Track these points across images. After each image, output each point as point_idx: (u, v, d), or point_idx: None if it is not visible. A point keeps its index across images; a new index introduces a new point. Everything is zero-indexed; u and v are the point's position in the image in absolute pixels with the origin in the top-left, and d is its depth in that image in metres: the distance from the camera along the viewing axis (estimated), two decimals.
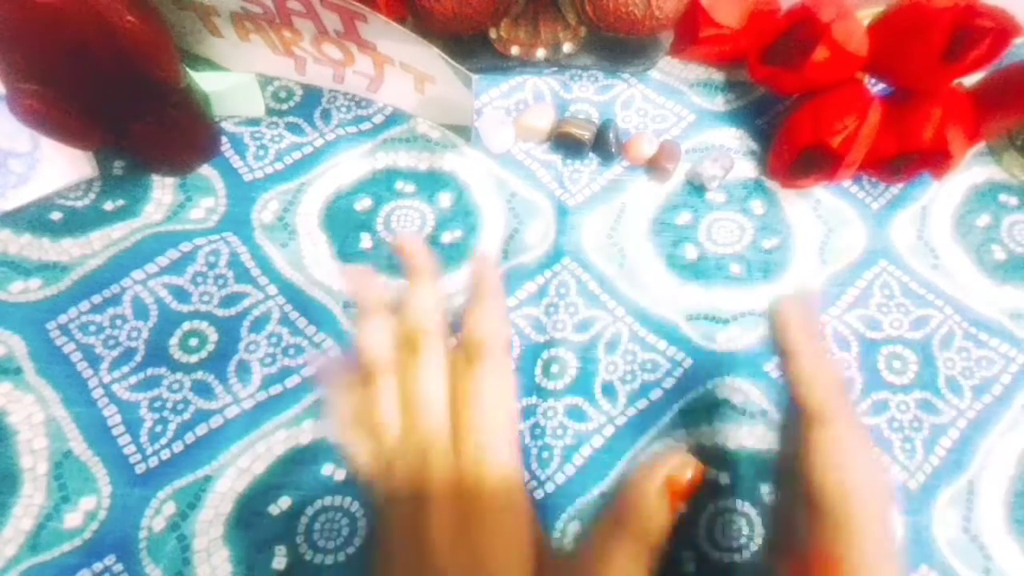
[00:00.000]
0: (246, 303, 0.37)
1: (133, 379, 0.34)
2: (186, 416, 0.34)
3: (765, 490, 0.34)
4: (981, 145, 0.44)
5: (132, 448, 0.33)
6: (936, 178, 0.42)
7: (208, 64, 0.41)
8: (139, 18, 0.31)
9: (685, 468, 0.24)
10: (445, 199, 0.41)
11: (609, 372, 0.36)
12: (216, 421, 0.34)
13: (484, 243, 0.39)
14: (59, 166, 0.38)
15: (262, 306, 0.37)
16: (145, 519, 0.32)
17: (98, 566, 0.31)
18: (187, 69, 0.37)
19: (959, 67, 0.37)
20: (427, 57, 0.35)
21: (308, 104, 0.43)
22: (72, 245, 0.37)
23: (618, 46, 0.44)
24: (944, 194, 0.43)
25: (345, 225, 0.39)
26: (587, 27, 0.42)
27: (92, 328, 0.35)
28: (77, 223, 0.38)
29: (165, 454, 0.33)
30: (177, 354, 0.35)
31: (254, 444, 0.33)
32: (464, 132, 0.41)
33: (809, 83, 0.39)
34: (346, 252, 0.39)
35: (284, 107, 0.43)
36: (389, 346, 0.26)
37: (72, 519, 0.32)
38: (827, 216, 0.42)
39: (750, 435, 0.35)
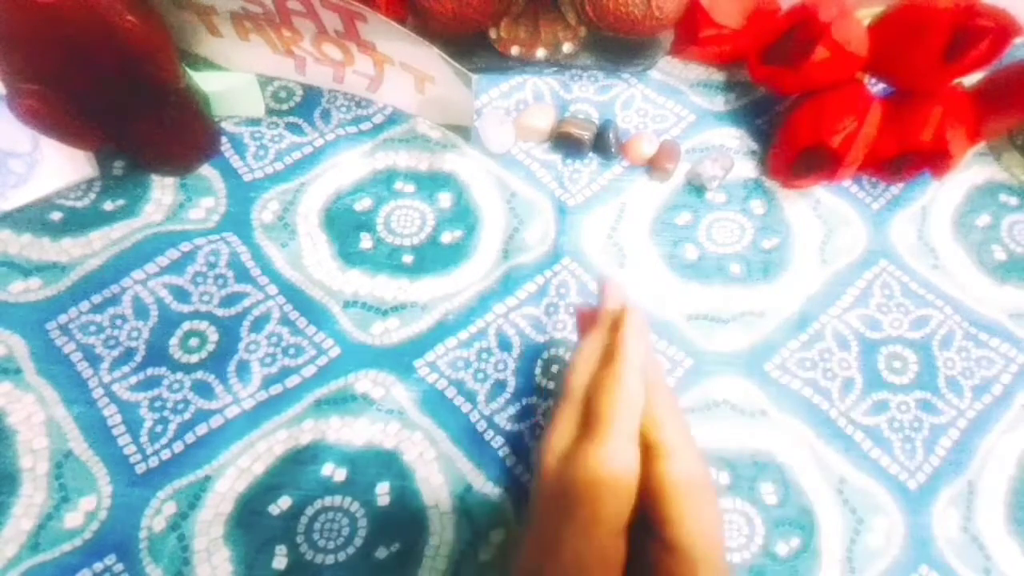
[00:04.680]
0: (246, 303, 0.37)
1: (133, 379, 0.34)
2: (186, 416, 0.34)
3: (764, 490, 0.34)
4: (981, 145, 0.44)
5: (132, 448, 0.33)
6: (936, 178, 0.42)
7: (208, 64, 0.41)
8: (139, 18, 0.31)
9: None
10: (445, 199, 0.41)
11: None
12: (216, 421, 0.34)
13: (484, 243, 0.39)
14: (59, 166, 0.38)
15: (262, 306, 0.37)
16: (145, 519, 0.32)
17: (98, 566, 0.31)
18: (187, 69, 0.37)
19: (959, 67, 0.37)
20: (427, 57, 0.35)
21: (308, 104, 0.43)
22: (72, 245, 0.37)
23: (618, 46, 0.44)
24: (944, 194, 0.43)
25: (345, 225, 0.39)
26: (587, 27, 0.42)
27: (92, 328, 0.35)
28: (77, 223, 0.38)
29: (165, 454, 0.33)
30: (177, 354, 0.35)
31: (254, 444, 0.34)
32: (464, 132, 0.41)
33: (809, 83, 0.39)
34: (346, 252, 0.39)
35: (284, 107, 0.43)
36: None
37: (72, 519, 0.32)
38: (827, 216, 0.42)
39: (750, 435, 0.35)
